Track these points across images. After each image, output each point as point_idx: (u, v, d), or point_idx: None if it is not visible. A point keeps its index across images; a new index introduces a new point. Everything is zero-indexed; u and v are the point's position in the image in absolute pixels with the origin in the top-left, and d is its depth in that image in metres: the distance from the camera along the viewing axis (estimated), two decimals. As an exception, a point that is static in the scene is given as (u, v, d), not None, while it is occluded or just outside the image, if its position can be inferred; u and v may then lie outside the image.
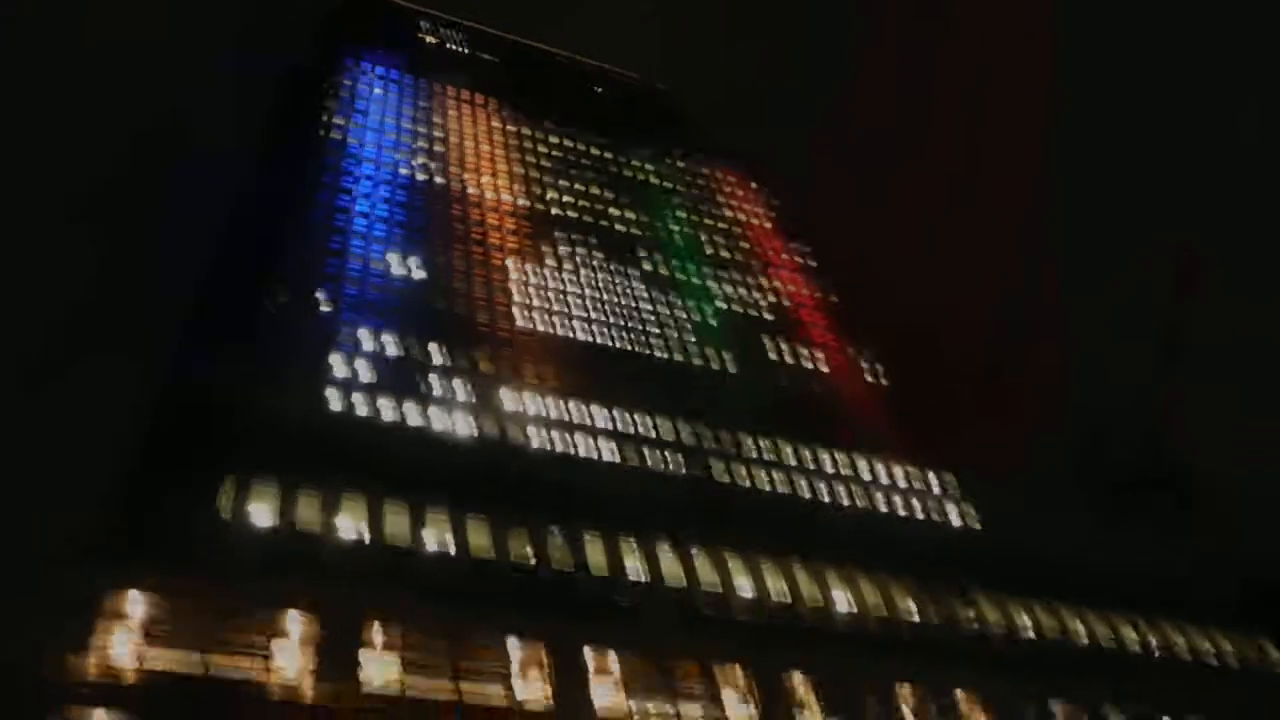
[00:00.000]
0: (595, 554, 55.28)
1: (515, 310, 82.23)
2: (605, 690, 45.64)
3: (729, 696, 48.16)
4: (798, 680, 49.96)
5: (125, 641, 38.77)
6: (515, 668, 44.50)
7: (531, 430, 67.10)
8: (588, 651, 46.10)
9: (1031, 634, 61.97)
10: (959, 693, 53.19)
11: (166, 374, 59.94)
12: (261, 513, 49.13)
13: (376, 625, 43.20)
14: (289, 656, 40.84)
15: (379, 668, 42.16)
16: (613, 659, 46.40)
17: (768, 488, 71.34)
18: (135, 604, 39.99)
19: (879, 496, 74.76)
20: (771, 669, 49.38)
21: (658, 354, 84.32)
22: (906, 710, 51.45)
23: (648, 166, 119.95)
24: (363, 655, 41.82)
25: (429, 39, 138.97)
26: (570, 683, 43.88)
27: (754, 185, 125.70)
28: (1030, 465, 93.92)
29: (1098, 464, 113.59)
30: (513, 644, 45.15)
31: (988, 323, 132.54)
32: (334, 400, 62.32)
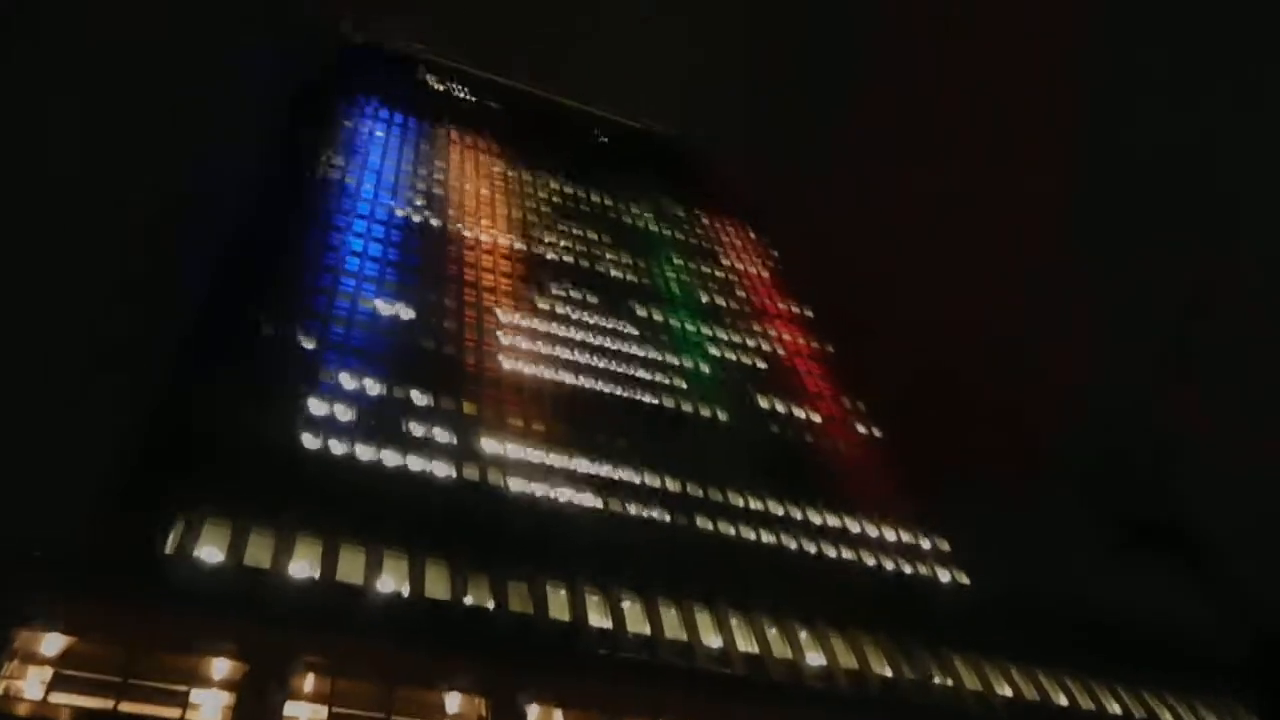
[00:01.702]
0: (557, 604, 53.83)
1: (502, 354, 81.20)
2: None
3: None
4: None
5: (35, 681, 37.43)
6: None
7: (506, 475, 65.85)
8: (532, 706, 44.26)
9: (1009, 695, 60.03)
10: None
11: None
12: (210, 551, 48.00)
13: (308, 671, 41.61)
14: (211, 702, 39.34)
15: (304, 716, 40.59)
16: (559, 716, 44.59)
17: (751, 540, 69.72)
18: (50, 642, 38.59)
19: (865, 552, 73.10)
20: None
21: (646, 402, 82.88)
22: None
23: (646, 214, 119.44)
24: (289, 703, 40.24)
25: (433, 84, 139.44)
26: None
27: (753, 235, 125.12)
28: (1039, 495, 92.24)
29: (1108, 493, 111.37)
30: (451, 696, 43.42)
31: (988, 323, 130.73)
32: (303, 438, 61.35)
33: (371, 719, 40.58)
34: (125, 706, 37.00)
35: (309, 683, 41.36)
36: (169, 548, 46.83)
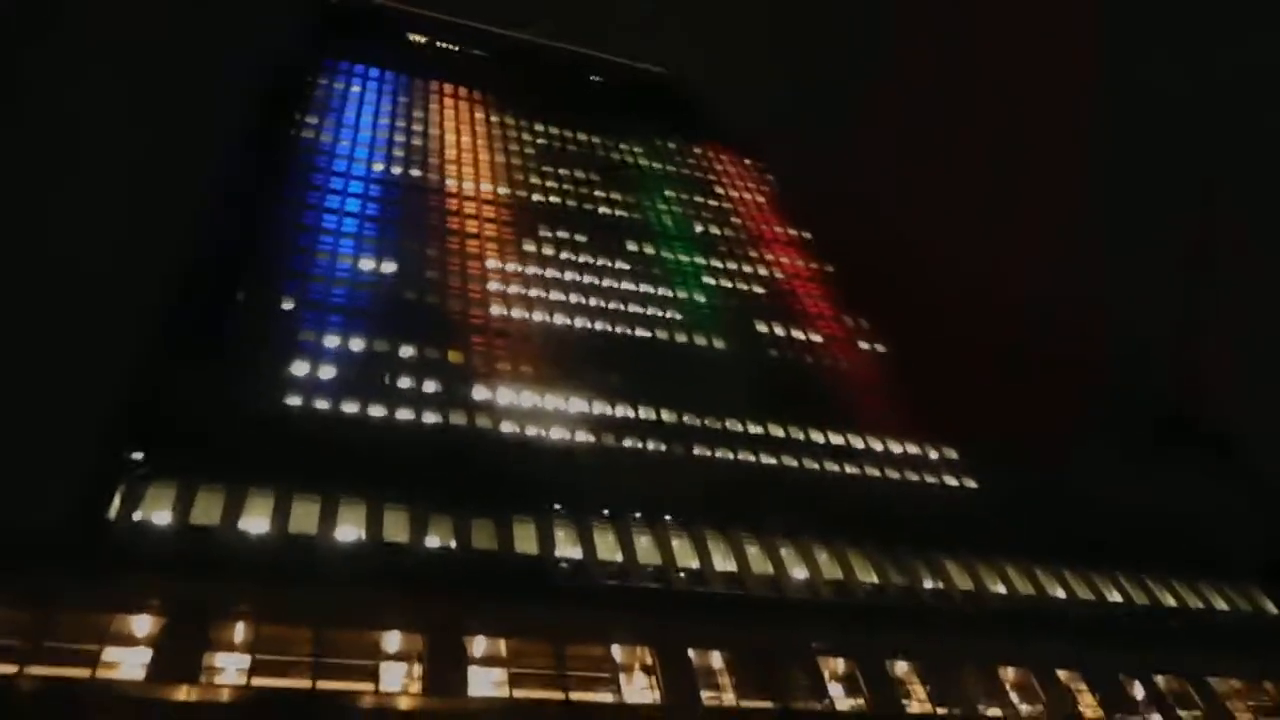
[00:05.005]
0: (524, 538, 52.40)
1: (488, 300, 79.71)
2: (489, 680, 42.43)
3: (637, 680, 45.08)
4: (717, 657, 46.70)
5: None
6: (390, 660, 41.43)
7: (492, 419, 64.40)
8: (478, 639, 42.99)
9: (1002, 592, 58.27)
10: (900, 661, 49.58)
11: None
12: (157, 513, 47.04)
13: (238, 621, 40.56)
14: (130, 659, 38.39)
15: (231, 666, 39.55)
16: (503, 646, 43.25)
17: (751, 463, 68.09)
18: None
19: (869, 465, 71.41)
20: (683, 645, 46.07)
21: (640, 337, 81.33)
22: (836, 682, 48.04)
23: (637, 150, 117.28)
24: (217, 654, 39.25)
25: (416, 37, 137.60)
26: (449, 673, 40.66)
27: (749, 162, 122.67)
28: (1058, 399, 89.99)
29: (1139, 401, 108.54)
30: (391, 636, 42.23)
31: (1030, 281, 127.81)
32: (278, 396, 60.20)
33: (300, 662, 39.23)
34: (33, 669, 35.93)
35: (239, 632, 40.26)
36: (113, 512, 45.87)
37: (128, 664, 37.85)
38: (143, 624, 38.97)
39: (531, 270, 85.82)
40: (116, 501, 46.46)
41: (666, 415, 70.26)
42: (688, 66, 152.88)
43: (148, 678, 36.74)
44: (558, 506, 54.97)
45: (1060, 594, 59.34)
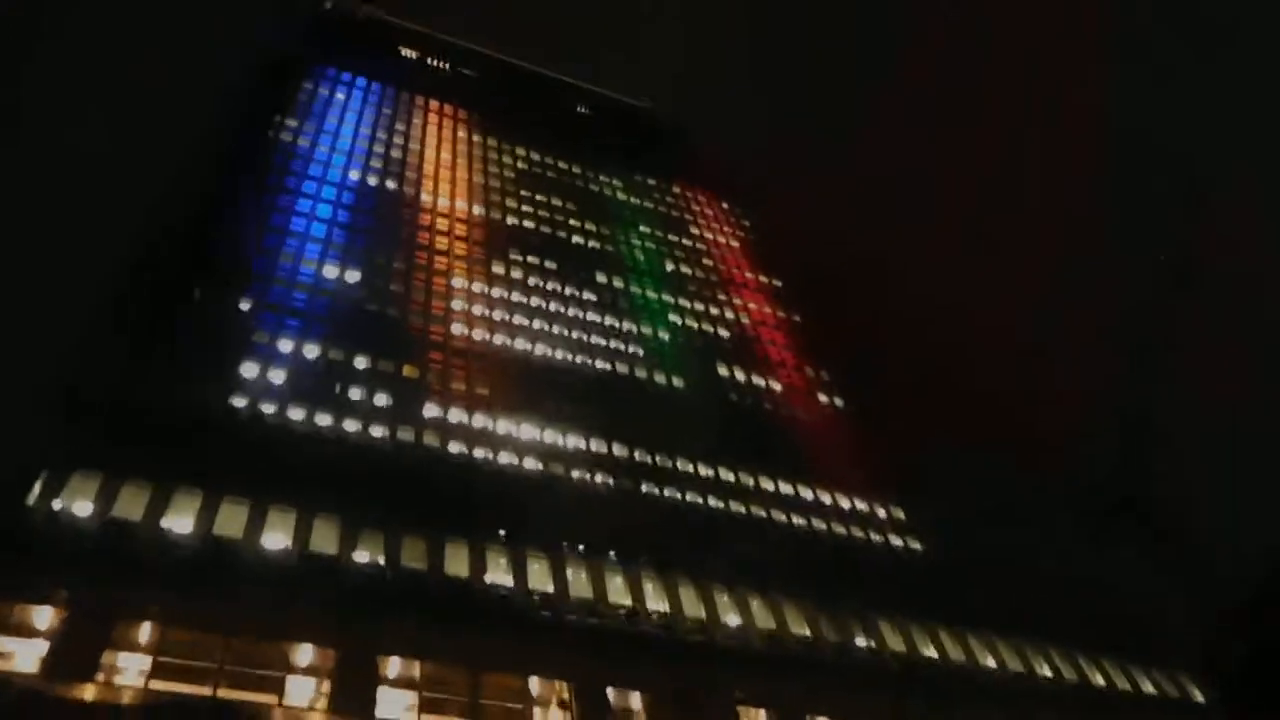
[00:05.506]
0: (455, 560, 51.53)
1: (450, 318, 78.98)
2: (400, 703, 41.51)
3: (552, 714, 44.26)
4: (636, 699, 45.92)
5: None
6: (299, 675, 40.45)
7: (441, 438, 63.54)
8: (395, 660, 42.09)
9: (933, 657, 57.74)
10: (822, 718, 48.94)
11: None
12: (79, 505, 45.96)
13: (147, 623, 39.44)
14: (25, 650, 37.30)
15: (129, 666, 38.48)
16: (418, 668, 42.36)
17: (698, 504, 67.54)
18: None
19: (815, 518, 70.91)
20: (603, 683, 45.31)
21: (599, 369, 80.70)
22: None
23: (615, 183, 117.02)
24: (119, 654, 38.19)
25: (408, 52, 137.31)
26: (358, 692, 39.73)
27: (726, 205, 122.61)
28: (1007, 468, 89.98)
29: (1078, 470, 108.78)
30: (304, 649, 41.26)
31: (968, 309, 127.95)
32: (219, 395, 59.18)
33: (205, 669, 38.22)
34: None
35: (144, 633, 39.25)
36: (32, 498, 44.73)
37: (22, 656, 36.72)
38: (44, 616, 37.87)
39: (498, 293, 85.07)
40: (36, 488, 45.26)
41: (618, 449, 69.66)
42: (677, 101, 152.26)
43: (42, 672, 35.62)
44: (501, 532, 54.04)
45: (991, 663, 58.93)
